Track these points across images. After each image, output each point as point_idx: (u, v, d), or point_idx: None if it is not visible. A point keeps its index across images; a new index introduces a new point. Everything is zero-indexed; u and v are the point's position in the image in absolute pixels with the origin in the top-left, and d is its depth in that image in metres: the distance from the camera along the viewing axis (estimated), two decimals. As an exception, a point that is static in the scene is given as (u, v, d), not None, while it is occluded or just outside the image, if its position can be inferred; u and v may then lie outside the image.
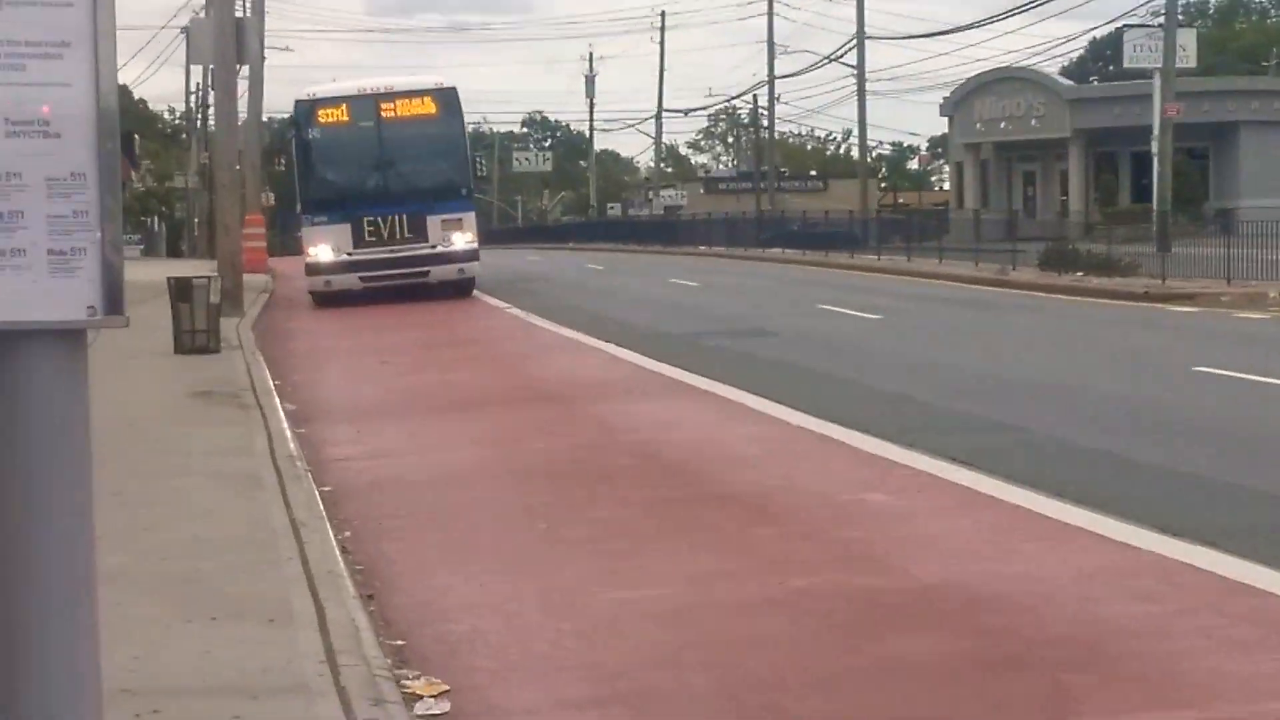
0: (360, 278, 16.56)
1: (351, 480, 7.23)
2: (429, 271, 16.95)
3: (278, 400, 9.69)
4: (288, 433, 8.21)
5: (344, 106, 16.78)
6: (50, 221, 1.52)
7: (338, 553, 5.18)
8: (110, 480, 5.39)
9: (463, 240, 17.05)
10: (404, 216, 16.48)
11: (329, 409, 10.16)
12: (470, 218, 17.25)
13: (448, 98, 17.06)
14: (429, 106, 16.83)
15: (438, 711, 3.54)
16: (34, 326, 1.50)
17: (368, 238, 16.54)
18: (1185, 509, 5.86)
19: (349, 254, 16.48)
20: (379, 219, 16.46)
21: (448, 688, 3.66)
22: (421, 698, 3.59)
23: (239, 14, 20.05)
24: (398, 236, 16.58)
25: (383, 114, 16.68)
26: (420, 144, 16.95)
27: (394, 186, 16.64)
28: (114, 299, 1.55)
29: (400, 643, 4.18)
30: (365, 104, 16.76)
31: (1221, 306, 16.15)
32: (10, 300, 1.49)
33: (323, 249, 16.59)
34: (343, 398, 11.06)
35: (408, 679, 3.73)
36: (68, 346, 1.54)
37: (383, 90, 16.86)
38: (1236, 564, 4.72)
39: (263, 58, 25.73)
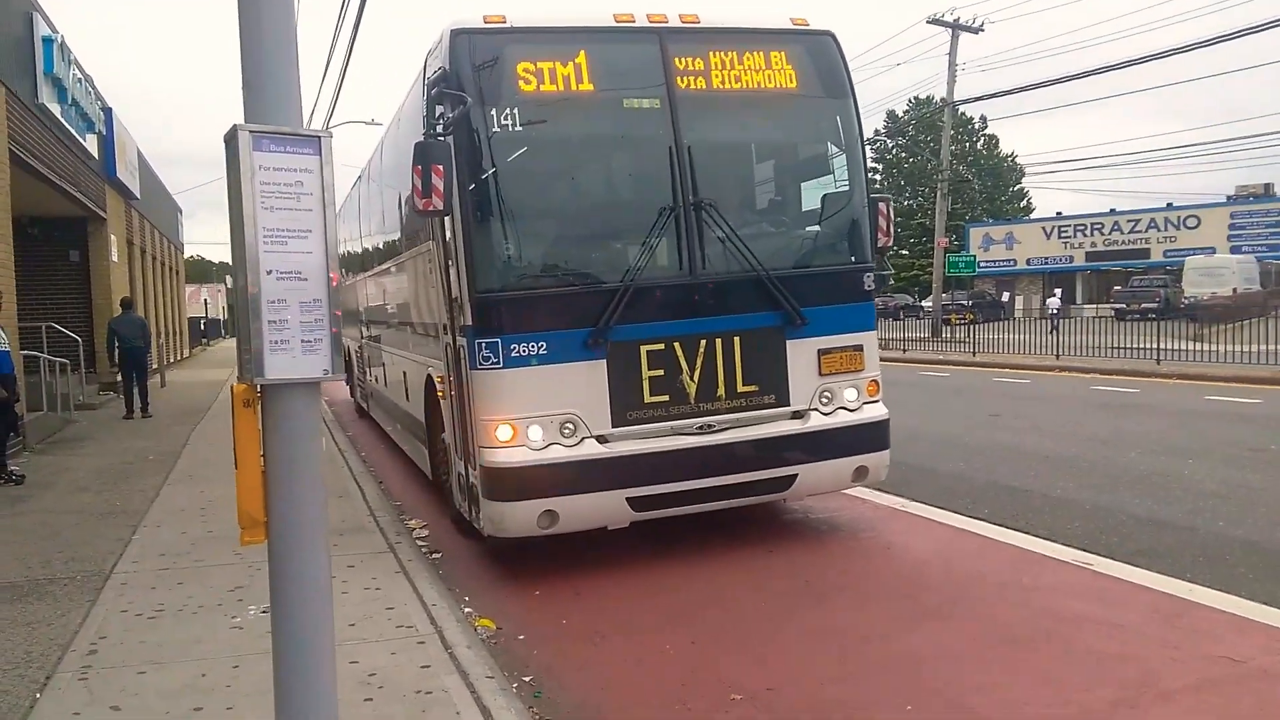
0: (632, 500, 5.88)
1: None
2: (795, 476, 6.28)
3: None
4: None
5: (583, 56, 5.88)
6: (302, 326, 2.86)
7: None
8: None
9: (861, 396, 6.53)
10: (733, 341, 6.08)
11: None
12: (872, 339, 6.69)
13: (821, 55, 6.50)
14: (785, 69, 6.31)
15: (423, 532, 7.41)
16: (295, 380, 2.87)
17: (649, 396, 5.89)
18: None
19: (603, 437, 5.84)
20: (673, 346, 5.94)
21: (426, 523, 7.66)
22: (414, 529, 7.45)
23: None
24: (715, 392, 6.03)
25: (679, 80, 6.05)
26: (769, 157, 6.96)
27: (709, 264, 6.06)
28: (337, 368, 2.93)
29: (399, 502, 7.92)
30: (639, 50, 6.15)
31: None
32: (283, 367, 2.84)
33: (533, 429, 5.74)
34: None
35: (409, 520, 7.73)
36: (311, 391, 2.93)
37: (678, 24, 6.15)
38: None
39: None
